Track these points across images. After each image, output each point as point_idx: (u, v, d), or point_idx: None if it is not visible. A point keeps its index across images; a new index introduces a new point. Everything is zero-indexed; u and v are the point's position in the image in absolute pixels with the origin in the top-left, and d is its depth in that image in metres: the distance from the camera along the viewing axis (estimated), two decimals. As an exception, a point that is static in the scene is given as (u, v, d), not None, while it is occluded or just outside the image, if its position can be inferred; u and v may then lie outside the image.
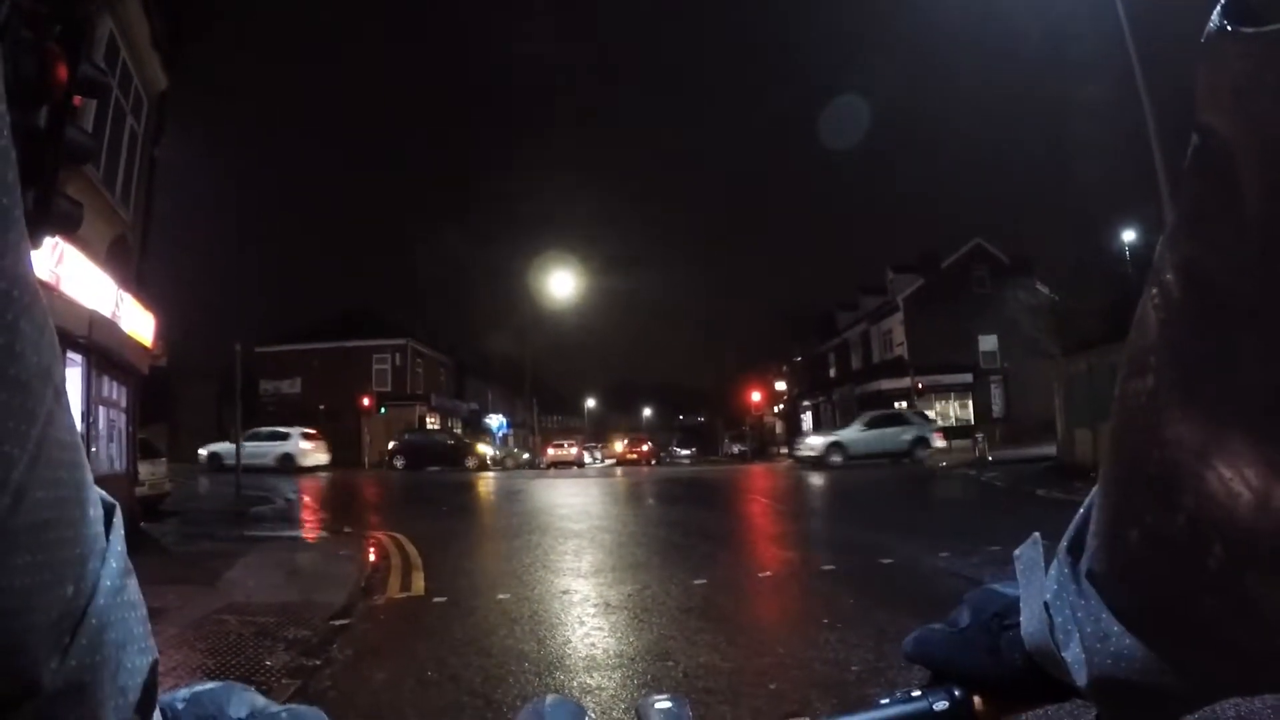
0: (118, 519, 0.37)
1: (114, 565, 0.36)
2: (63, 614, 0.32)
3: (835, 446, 28.42)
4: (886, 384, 45.07)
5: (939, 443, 28.88)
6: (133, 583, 0.38)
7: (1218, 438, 0.33)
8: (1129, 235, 23.47)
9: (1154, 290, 0.35)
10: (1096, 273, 21.15)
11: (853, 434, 29.12)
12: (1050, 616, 0.48)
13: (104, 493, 0.37)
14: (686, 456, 62.13)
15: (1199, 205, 0.33)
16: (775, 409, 67.65)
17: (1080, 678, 0.46)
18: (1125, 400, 0.38)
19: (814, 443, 30.04)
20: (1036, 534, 0.56)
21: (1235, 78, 0.29)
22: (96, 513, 0.35)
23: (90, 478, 0.35)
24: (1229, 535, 0.33)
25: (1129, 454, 0.38)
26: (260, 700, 0.57)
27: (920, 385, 42.39)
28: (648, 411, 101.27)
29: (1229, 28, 0.29)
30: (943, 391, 44.30)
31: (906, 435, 28.58)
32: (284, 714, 0.56)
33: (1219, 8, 0.30)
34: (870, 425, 29.32)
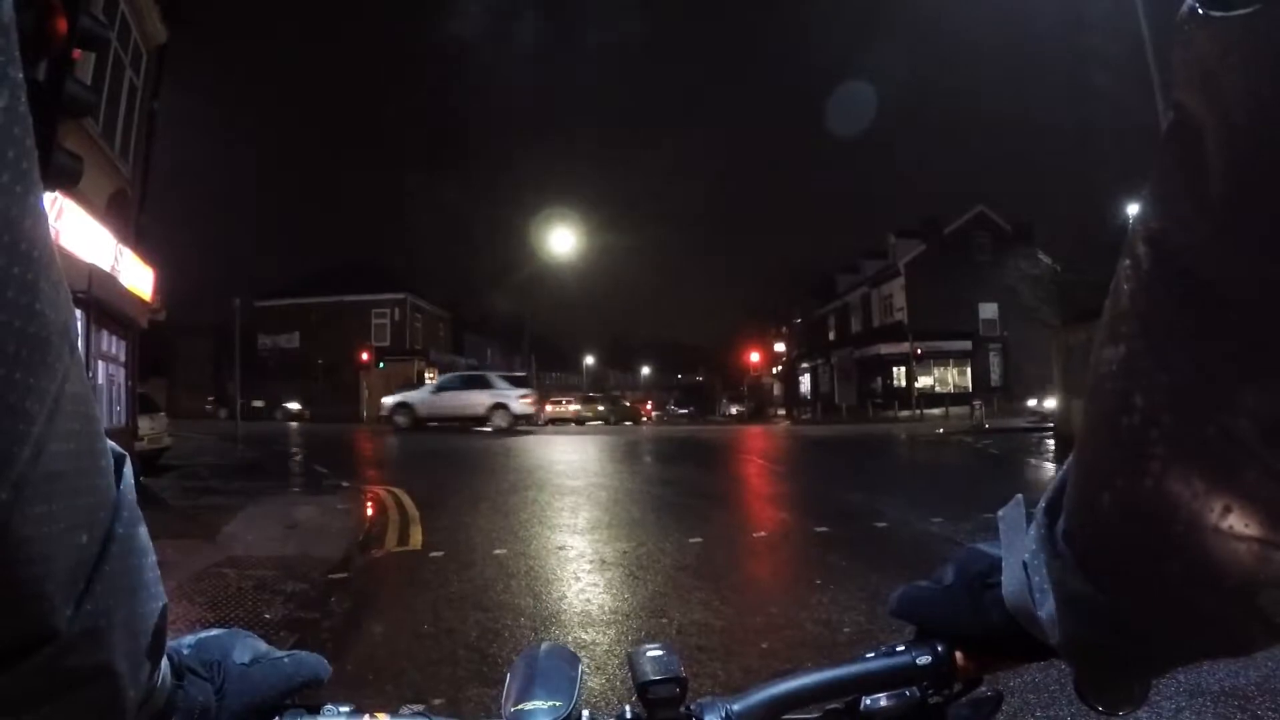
0: (128, 469, 0.39)
1: (125, 514, 0.37)
2: (78, 561, 0.33)
3: (403, 408, 27.19)
4: (885, 348, 45.14)
5: (526, 408, 27.11)
6: (143, 530, 0.39)
7: (1183, 406, 0.34)
8: (1133, 208, 23.32)
9: (1126, 260, 0.36)
10: (1099, 244, 21.05)
11: (422, 395, 27.83)
12: (1028, 576, 0.50)
13: (114, 443, 0.38)
14: (684, 414, 62.36)
15: (1168, 180, 0.34)
16: (774, 370, 67.85)
17: (1054, 636, 0.48)
18: (1099, 367, 0.39)
19: (385, 402, 28.74)
20: (1020, 495, 0.57)
21: (1204, 59, 0.30)
22: (108, 463, 0.36)
23: (102, 429, 0.36)
24: (1193, 502, 0.34)
25: (1102, 419, 0.39)
26: (263, 646, 0.58)
27: (919, 351, 42.44)
28: (646, 370, 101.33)
29: (1200, 10, 0.30)
30: (941, 358, 44.40)
31: (484, 400, 26.63)
32: (286, 659, 0.58)
33: None
34: (442, 388, 27.95)
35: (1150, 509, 0.36)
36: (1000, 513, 0.57)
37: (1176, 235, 0.33)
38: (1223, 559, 0.34)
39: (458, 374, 30.64)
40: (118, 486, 0.37)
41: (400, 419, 26.71)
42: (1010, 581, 0.53)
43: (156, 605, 0.41)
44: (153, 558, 0.41)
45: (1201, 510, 0.34)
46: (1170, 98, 0.33)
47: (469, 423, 26.04)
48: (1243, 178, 0.29)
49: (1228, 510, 0.33)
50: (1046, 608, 0.47)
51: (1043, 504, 0.49)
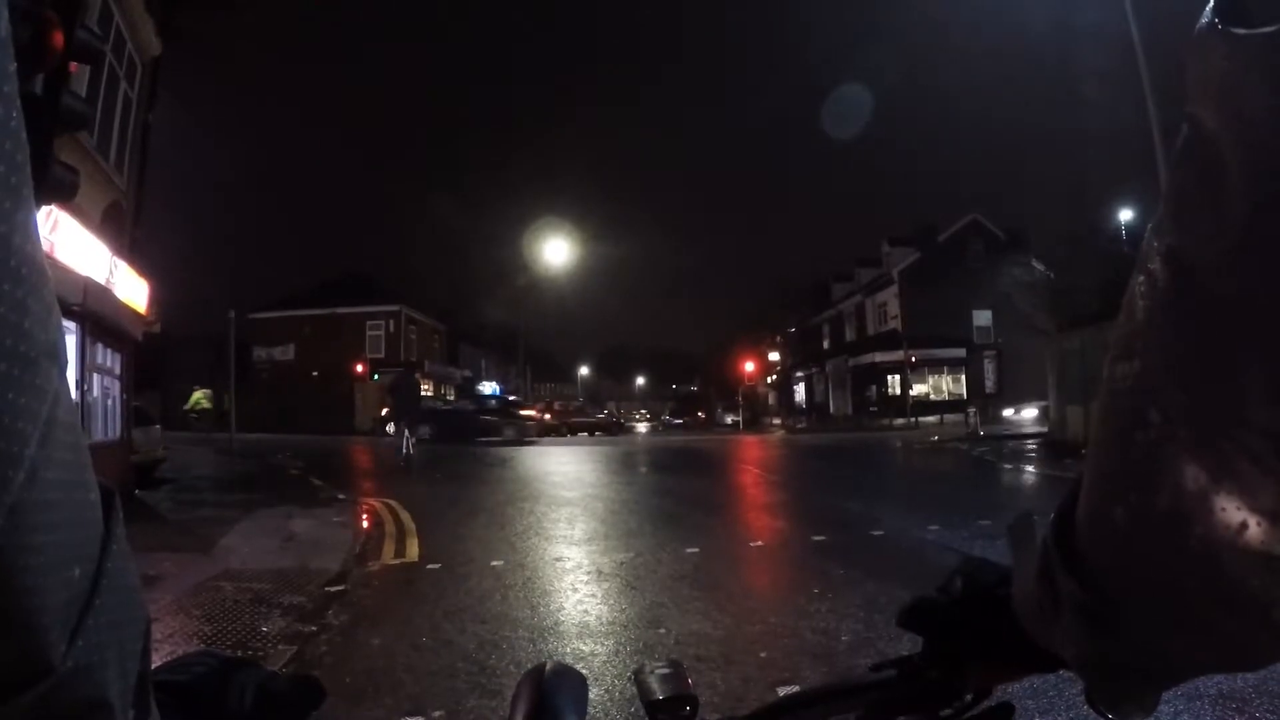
0: (116, 504, 0.37)
1: (115, 548, 0.36)
2: (71, 596, 0.32)
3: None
4: (880, 357, 45.18)
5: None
6: (132, 566, 0.38)
7: (1200, 423, 0.33)
8: (1125, 214, 23.40)
9: (1141, 277, 0.36)
10: (1092, 250, 21.14)
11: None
12: (1039, 590, 0.49)
13: (102, 478, 0.37)
14: (680, 424, 62.74)
15: (1185, 194, 0.33)
16: (769, 379, 67.73)
17: (1068, 650, 0.47)
18: (1112, 381, 0.38)
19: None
20: (1029, 509, 0.57)
21: (1223, 75, 0.30)
22: (97, 496, 0.35)
23: (90, 461, 0.34)
24: (1209, 517, 0.34)
25: (1114, 434, 0.39)
26: (258, 669, 0.57)
27: (914, 359, 42.49)
28: (640, 380, 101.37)
29: (1220, 26, 0.29)
30: (936, 365, 44.46)
31: None
32: (281, 682, 0.57)
33: (1211, 3, 0.30)
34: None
35: (1165, 524, 0.36)
36: (1009, 525, 0.56)
37: (1195, 251, 0.32)
38: (1239, 574, 0.34)
39: None
40: (107, 521, 0.36)
41: None
42: (1021, 595, 0.53)
43: (145, 642, 0.40)
44: (141, 594, 0.40)
45: (1217, 525, 0.33)
46: (1183, 111, 0.32)
47: None
48: (1266, 194, 0.29)
49: (1244, 526, 0.33)
50: (1059, 622, 0.47)
51: (1053, 518, 0.49)
